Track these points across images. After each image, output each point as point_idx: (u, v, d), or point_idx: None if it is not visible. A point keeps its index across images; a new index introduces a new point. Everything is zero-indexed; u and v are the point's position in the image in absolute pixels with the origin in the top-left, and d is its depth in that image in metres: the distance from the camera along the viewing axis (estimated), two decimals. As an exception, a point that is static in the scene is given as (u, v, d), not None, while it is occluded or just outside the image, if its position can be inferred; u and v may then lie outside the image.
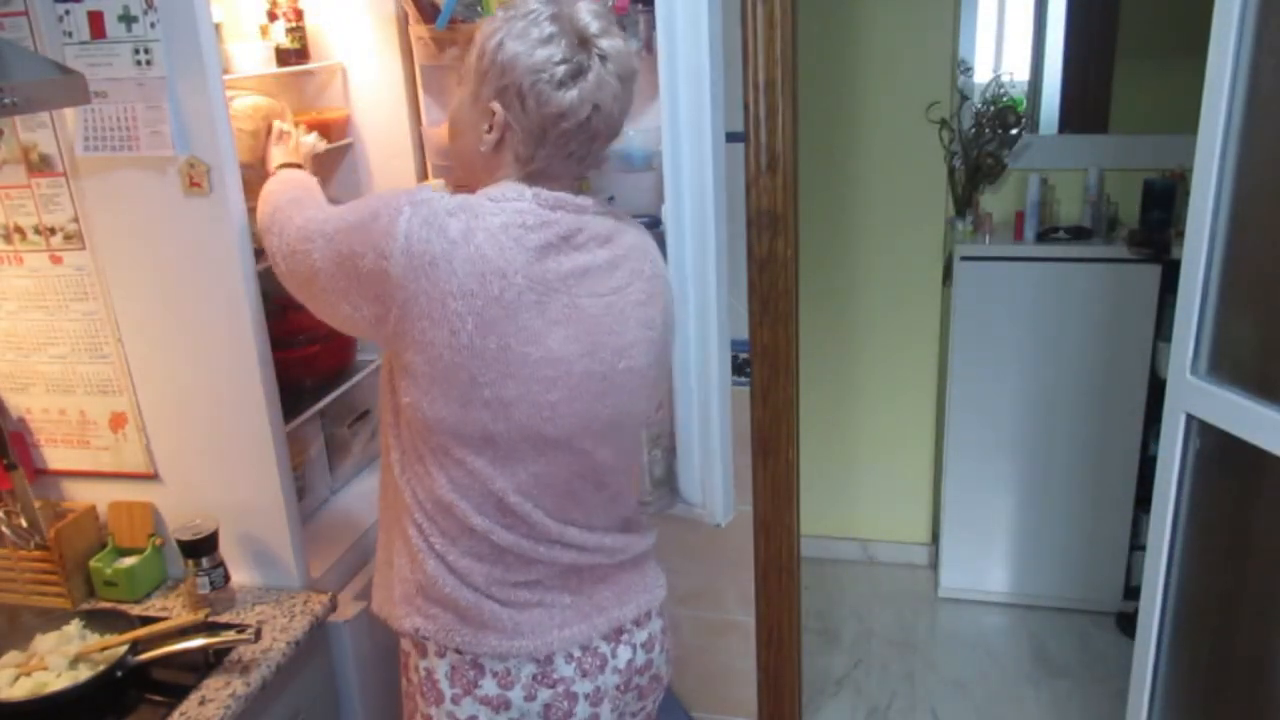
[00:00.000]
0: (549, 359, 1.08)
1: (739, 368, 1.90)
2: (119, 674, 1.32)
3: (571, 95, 1.05)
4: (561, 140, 1.09)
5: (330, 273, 1.11)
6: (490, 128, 1.09)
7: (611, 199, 1.70)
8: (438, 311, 1.03)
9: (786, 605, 2.04)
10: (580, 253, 1.11)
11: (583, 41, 1.05)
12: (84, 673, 1.33)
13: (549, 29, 1.04)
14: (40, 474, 1.61)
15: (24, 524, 1.46)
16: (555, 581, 1.19)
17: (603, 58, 1.06)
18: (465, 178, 1.21)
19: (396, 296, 1.04)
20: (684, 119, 1.49)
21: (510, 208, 1.07)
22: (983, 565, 2.84)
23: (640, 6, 1.58)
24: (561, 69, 1.04)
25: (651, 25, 1.50)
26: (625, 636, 1.25)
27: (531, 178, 1.11)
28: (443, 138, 1.54)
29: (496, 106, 1.08)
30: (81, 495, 1.61)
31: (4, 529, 1.46)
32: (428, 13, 1.70)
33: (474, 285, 1.03)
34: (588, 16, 1.06)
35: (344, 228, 1.10)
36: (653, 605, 1.29)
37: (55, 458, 1.60)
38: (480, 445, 1.10)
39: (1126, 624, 2.68)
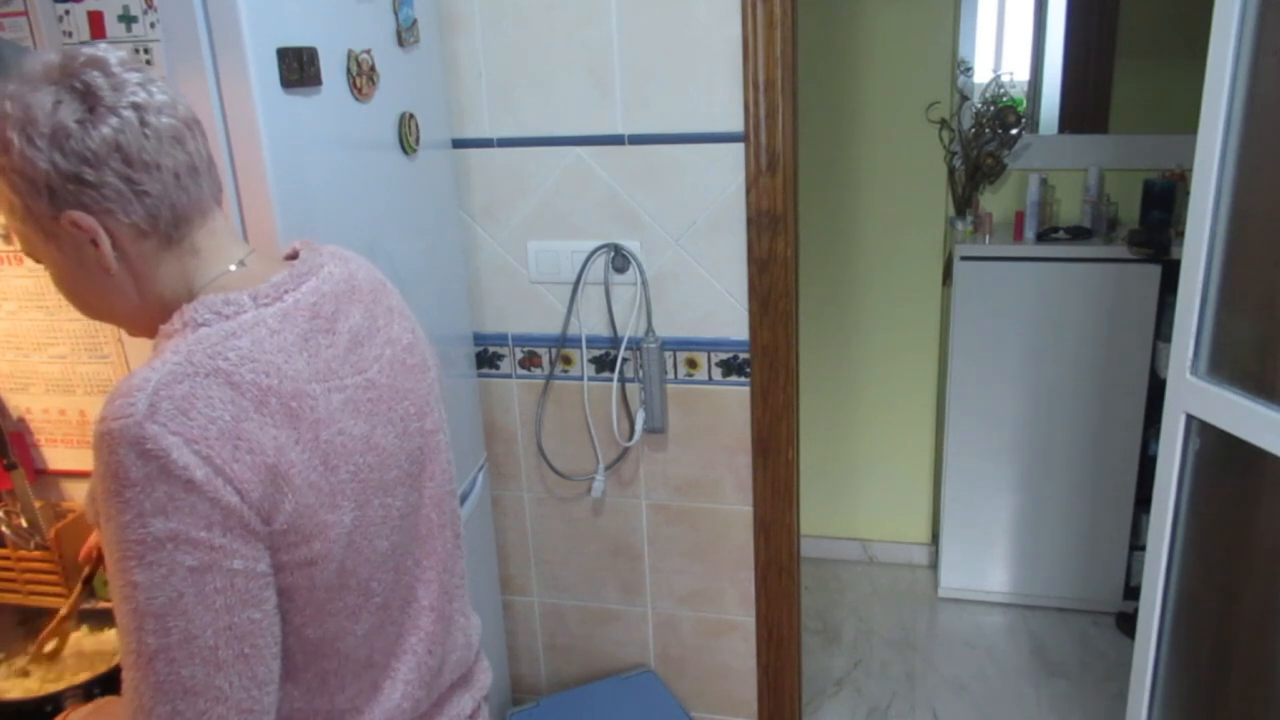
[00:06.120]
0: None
1: (739, 368, 1.90)
2: (48, 708, 1.26)
3: (105, 130, 0.82)
4: (147, 173, 0.84)
5: (198, 605, 0.78)
6: (94, 243, 0.84)
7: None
8: (323, 482, 0.86)
9: (786, 605, 2.04)
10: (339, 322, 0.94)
11: (67, 74, 0.83)
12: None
13: (46, 97, 0.82)
14: (40, 474, 1.61)
15: (24, 524, 1.46)
16: None
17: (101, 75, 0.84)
18: (140, 322, 0.93)
19: (281, 504, 0.83)
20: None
21: (239, 324, 0.85)
22: (982, 565, 2.84)
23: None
24: (75, 115, 0.82)
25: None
26: None
27: (179, 249, 0.89)
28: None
29: (74, 215, 0.83)
30: (82, 495, 1.61)
31: (4, 529, 1.46)
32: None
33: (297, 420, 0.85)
34: (57, 58, 0.85)
35: (135, 551, 0.77)
36: None
37: (55, 458, 1.60)
38: None
39: (1126, 624, 2.68)
